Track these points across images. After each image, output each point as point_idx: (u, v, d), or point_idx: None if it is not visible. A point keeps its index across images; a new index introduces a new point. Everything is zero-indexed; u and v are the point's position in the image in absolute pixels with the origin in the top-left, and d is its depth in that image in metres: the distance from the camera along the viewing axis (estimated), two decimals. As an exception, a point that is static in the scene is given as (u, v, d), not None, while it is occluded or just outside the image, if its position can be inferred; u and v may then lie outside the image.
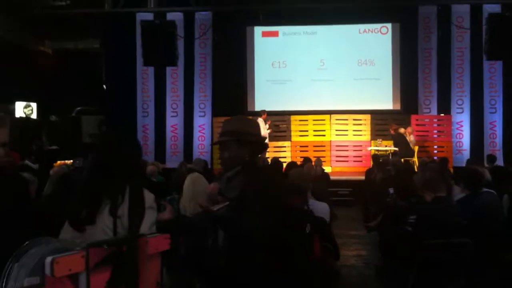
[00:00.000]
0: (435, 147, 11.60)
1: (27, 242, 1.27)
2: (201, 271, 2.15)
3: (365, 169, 10.54)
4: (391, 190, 6.71)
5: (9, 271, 1.19)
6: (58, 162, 10.01)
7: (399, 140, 10.60)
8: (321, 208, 4.02)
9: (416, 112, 11.95)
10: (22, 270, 1.17)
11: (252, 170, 2.45)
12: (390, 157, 9.71)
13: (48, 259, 1.09)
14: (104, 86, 12.92)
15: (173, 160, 11.65)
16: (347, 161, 11.90)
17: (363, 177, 9.97)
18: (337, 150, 11.91)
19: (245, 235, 2.25)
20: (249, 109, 12.68)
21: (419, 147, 11.09)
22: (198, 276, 2.23)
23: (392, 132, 10.99)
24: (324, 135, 11.94)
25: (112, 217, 1.54)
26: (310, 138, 11.94)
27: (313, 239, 2.55)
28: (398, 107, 12.62)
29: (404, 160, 9.66)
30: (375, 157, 9.97)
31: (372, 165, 9.75)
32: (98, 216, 1.66)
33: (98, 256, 1.17)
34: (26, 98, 13.39)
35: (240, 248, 2.34)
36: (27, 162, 9.50)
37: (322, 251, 2.55)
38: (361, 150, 11.84)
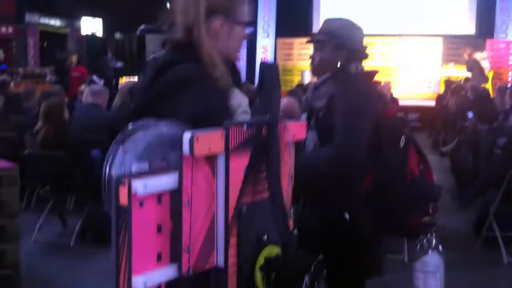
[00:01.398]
0: (510, 74, 10.94)
1: (130, 126, 1.09)
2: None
3: (434, 95, 10.10)
4: (470, 115, 6.36)
5: (114, 156, 1.01)
6: (124, 78, 10.04)
7: (473, 65, 10.02)
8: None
9: (491, 37, 11.22)
10: (129, 155, 1.00)
11: (344, 76, 2.17)
12: (462, 83, 9.23)
13: (187, 135, 0.92)
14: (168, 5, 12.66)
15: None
16: (416, 86, 11.40)
17: (432, 103, 9.60)
18: (405, 75, 11.41)
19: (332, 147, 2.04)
20: (315, 29, 12.23)
21: (494, 73, 10.48)
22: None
23: (466, 57, 10.39)
24: (392, 59, 11.43)
25: None
26: (377, 61, 11.46)
27: (408, 153, 2.25)
28: (472, 31, 11.88)
29: (479, 86, 9.14)
30: (448, 82, 9.49)
31: (444, 90, 9.30)
32: None
33: (238, 138, 0.98)
34: (93, 15, 13.35)
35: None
36: (94, 77, 9.55)
37: (419, 165, 2.27)
38: (431, 76, 11.31)
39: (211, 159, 1.02)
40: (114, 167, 1.07)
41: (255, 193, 1.09)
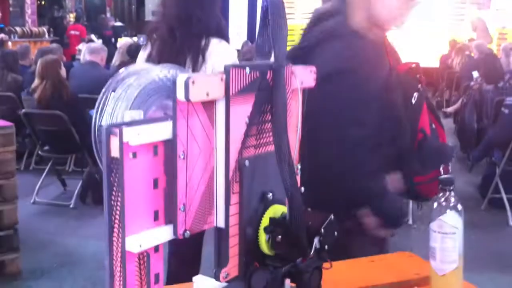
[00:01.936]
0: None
1: (122, 70, 0.97)
2: None
3: (438, 56, 9.89)
4: (476, 74, 6.20)
5: (104, 104, 0.88)
6: (123, 37, 9.82)
7: (478, 25, 9.79)
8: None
9: (497, -4, 10.92)
10: (121, 102, 0.87)
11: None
12: (467, 42, 9.02)
13: (182, 78, 0.79)
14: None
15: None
16: (419, 47, 11.17)
17: (435, 65, 9.41)
18: (407, 36, 11.15)
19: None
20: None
21: (498, 33, 10.24)
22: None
23: (471, 18, 10.15)
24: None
25: None
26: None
27: (420, 110, 2.12)
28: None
29: (483, 46, 8.93)
30: (453, 42, 9.28)
31: (449, 50, 9.10)
32: None
33: (240, 82, 0.85)
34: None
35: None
36: (92, 36, 9.35)
37: (431, 125, 2.13)
38: (434, 36, 11.06)
39: (209, 106, 0.89)
40: (104, 117, 0.94)
41: (259, 146, 0.97)
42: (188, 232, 0.88)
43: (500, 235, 4.17)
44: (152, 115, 0.96)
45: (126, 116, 0.92)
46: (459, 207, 1.23)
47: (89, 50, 5.51)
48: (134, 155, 0.84)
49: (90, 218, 4.31)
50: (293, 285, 0.98)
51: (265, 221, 0.96)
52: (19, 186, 3.77)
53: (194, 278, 1.06)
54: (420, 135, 2.01)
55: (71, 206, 4.75)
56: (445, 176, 1.30)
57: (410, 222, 4.55)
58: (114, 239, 0.85)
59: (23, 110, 4.73)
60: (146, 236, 0.86)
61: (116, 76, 1.00)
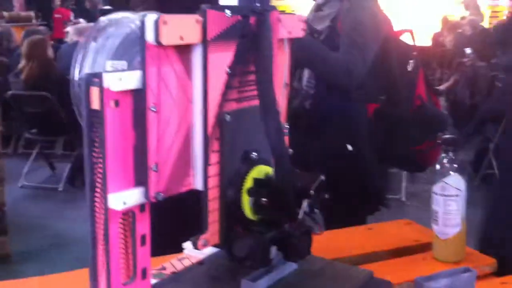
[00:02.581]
0: (506, 12, 10.58)
1: (103, 18, 0.86)
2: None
3: (431, 35, 9.77)
4: (468, 50, 6.10)
5: (84, 55, 0.78)
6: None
7: (470, 3, 9.68)
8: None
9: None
10: (101, 53, 0.84)
11: None
12: (459, 20, 8.91)
13: (151, 17, 0.67)
14: None
15: None
16: (411, 25, 11.03)
17: (428, 43, 9.29)
18: (399, 16, 11.02)
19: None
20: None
21: (491, 11, 10.14)
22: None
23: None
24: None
25: None
26: None
27: (417, 77, 2.04)
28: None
29: (475, 24, 8.82)
30: (445, 20, 9.16)
31: (442, 28, 8.98)
32: None
33: (219, 26, 0.75)
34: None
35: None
36: (80, 20, 9.16)
37: (428, 92, 2.07)
38: (426, 14, 10.93)
39: (184, 53, 0.79)
40: (85, 69, 0.84)
41: (242, 100, 0.87)
42: (161, 194, 0.78)
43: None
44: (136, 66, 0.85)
45: (108, 66, 0.82)
46: (462, 169, 1.14)
47: (76, 30, 5.37)
48: (117, 103, 0.73)
49: (79, 201, 4.20)
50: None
51: (248, 183, 0.86)
52: (7, 170, 3.66)
53: (185, 245, 0.98)
54: (418, 102, 1.95)
55: (59, 189, 4.65)
56: (449, 135, 1.21)
57: (403, 199, 4.48)
58: (97, 199, 0.75)
59: (10, 92, 4.60)
60: (131, 194, 0.76)
61: (96, 25, 0.89)
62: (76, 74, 0.87)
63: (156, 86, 0.75)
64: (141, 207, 0.80)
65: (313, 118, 1.93)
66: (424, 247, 1.29)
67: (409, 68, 1.96)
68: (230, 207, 0.85)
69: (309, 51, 1.80)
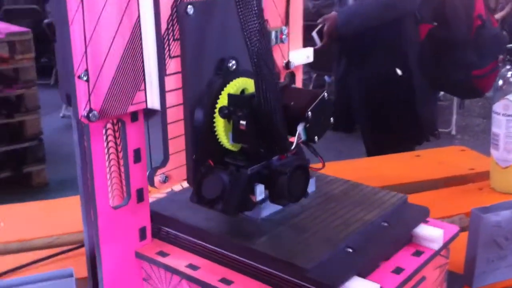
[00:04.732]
0: None
1: None
2: None
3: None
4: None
5: None
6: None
7: None
8: None
9: None
10: None
11: None
12: None
13: None
14: None
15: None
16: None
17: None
18: None
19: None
20: None
21: None
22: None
23: None
24: None
25: None
26: None
27: None
28: None
29: None
30: None
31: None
32: None
33: None
34: None
35: None
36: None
37: (487, 12, 1.79)
38: None
39: None
40: None
41: (211, -12, 0.62)
42: (95, 113, 0.57)
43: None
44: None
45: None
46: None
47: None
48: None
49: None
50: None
51: (222, 100, 0.63)
52: (49, 101, 3.56)
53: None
54: (478, 22, 1.71)
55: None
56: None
57: (454, 132, 4.16)
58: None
59: (46, 21, 4.44)
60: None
61: None
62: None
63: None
64: (132, 115, 0.60)
65: (361, 40, 1.76)
66: (481, 176, 1.10)
67: None
68: (199, 133, 0.63)
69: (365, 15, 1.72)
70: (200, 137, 0.63)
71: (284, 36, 0.75)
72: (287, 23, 0.76)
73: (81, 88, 0.55)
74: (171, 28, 0.59)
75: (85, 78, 0.55)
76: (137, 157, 0.64)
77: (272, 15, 0.74)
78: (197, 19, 0.60)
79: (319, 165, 0.67)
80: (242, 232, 0.65)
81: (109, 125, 0.63)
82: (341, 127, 2.07)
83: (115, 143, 0.65)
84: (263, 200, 0.65)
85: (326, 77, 4.48)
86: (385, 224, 0.67)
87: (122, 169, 0.65)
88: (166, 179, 0.63)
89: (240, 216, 0.66)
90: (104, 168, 0.61)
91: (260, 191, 0.65)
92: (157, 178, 0.62)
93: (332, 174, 0.80)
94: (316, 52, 0.85)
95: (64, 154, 3.93)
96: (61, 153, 3.92)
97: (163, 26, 0.58)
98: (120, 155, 0.65)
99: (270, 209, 0.68)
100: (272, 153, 0.64)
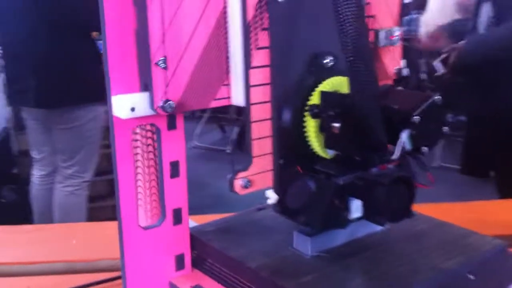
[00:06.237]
0: None
1: None
2: None
3: None
4: None
5: None
6: None
7: None
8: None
9: None
10: None
11: None
12: None
13: None
14: None
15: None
16: None
17: None
18: None
19: None
20: None
21: None
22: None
23: None
24: None
25: None
26: None
27: None
28: None
29: None
30: None
31: None
32: None
33: None
34: None
35: None
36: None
37: None
38: None
39: None
40: None
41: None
42: (172, 104, 0.52)
43: None
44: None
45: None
46: None
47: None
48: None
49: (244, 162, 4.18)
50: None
51: (314, 98, 0.55)
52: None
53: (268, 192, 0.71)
54: None
55: (227, 151, 4.68)
56: None
57: None
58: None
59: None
60: (139, 98, 0.52)
61: None
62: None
63: None
64: (169, 122, 0.55)
65: (493, 72, 1.60)
66: None
67: None
68: (287, 135, 0.56)
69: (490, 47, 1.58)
70: (288, 140, 0.56)
71: (396, 38, 0.66)
72: (400, 24, 0.67)
73: (158, 76, 0.51)
74: (259, 16, 0.53)
75: (163, 66, 0.51)
76: (175, 171, 0.57)
77: (382, 12, 0.65)
78: (288, 6, 0.54)
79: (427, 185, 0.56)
80: (288, 270, 0.54)
81: (140, 131, 0.56)
82: (470, 170, 1.86)
83: (154, 153, 0.57)
84: (358, 219, 0.56)
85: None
86: (471, 276, 0.54)
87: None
88: (248, 184, 0.56)
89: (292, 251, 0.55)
90: (132, 180, 0.54)
91: (356, 207, 0.55)
92: (238, 182, 0.55)
93: (435, 215, 0.66)
94: (443, 90, 0.73)
95: (190, 182, 4.07)
96: (191, 182, 4.06)
97: (250, 12, 0.52)
98: (150, 166, 0.58)
99: (325, 244, 0.57)
100: (370, 162, 0.55)
